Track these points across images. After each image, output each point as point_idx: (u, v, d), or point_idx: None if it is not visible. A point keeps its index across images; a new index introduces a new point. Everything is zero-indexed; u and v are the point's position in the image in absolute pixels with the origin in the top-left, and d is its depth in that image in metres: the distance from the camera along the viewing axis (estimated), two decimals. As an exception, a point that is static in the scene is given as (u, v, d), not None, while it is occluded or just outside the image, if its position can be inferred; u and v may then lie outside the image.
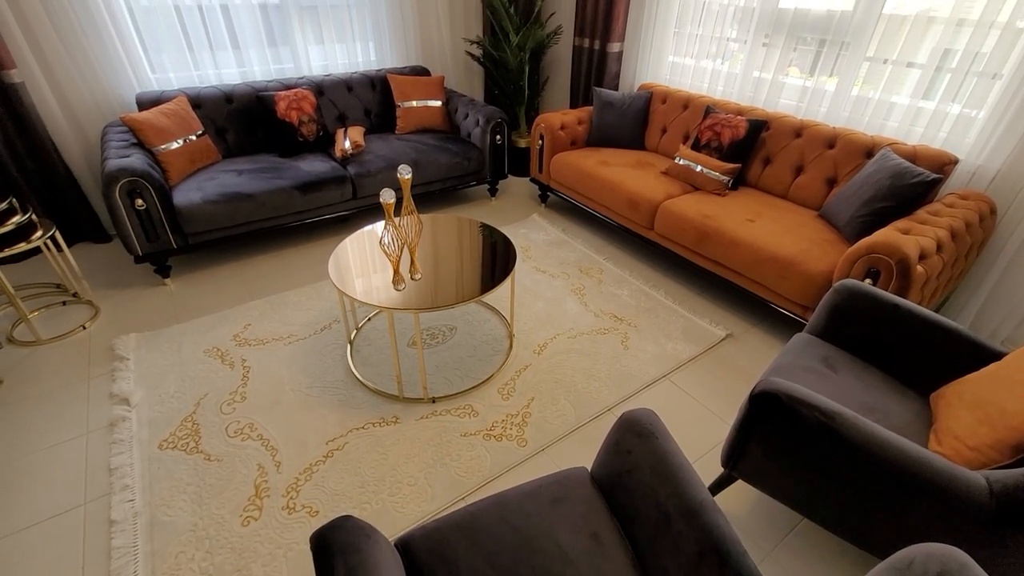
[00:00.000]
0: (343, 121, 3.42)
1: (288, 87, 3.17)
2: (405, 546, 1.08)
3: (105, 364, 2.18)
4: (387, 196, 1.90)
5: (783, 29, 2.81)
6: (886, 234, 1.89)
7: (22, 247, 2.20)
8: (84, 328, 2.39)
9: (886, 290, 1.84)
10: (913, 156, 2.28)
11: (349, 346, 2.28)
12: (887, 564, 0.71)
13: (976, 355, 1.47)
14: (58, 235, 2.36)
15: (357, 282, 1.93)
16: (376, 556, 0.90)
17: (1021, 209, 2.18)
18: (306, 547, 1.51)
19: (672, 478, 1.04)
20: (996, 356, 1.44)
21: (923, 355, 1.56)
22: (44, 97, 2.69)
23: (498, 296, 2.63)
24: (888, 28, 2.47)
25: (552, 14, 3.99)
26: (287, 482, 1.70)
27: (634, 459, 1.11)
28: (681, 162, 2.90)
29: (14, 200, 2.28)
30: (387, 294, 1.86)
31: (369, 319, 2.47)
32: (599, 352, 2.30)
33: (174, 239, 2.57)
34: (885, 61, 2.52)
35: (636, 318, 2.53)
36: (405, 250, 2.10)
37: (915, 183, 2.08)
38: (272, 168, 2.88)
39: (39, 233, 2.28)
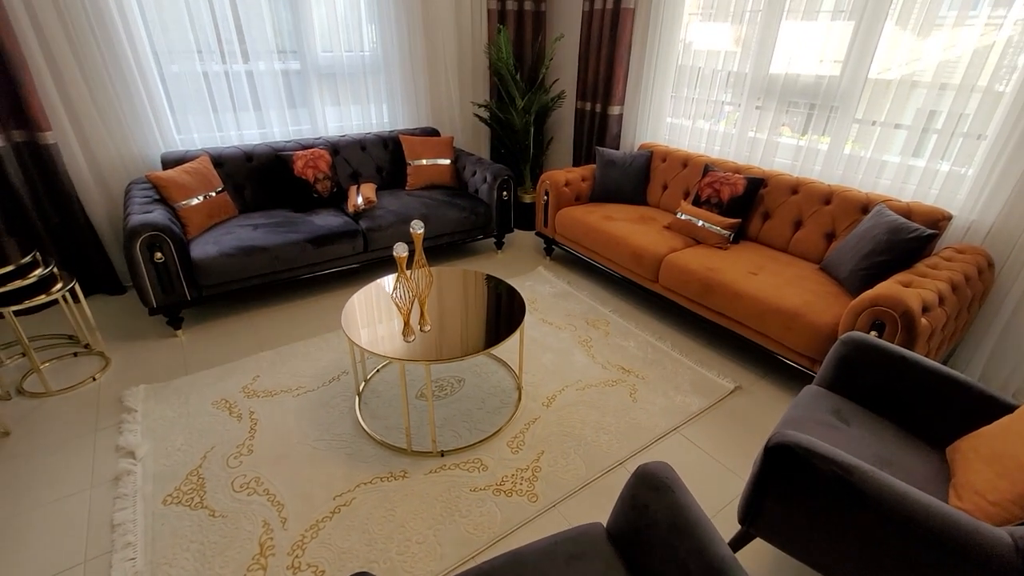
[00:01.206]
0: (356, 178, 3.56)
1: (305, 147, 3.33)
2: (419, 607, 1.05)
3: (113, 416, 2.18)
4: (400, 250, 1.96)
5: (775, 93, 2.98)
6: (889, 287, 1.93)
7: (42, 299, 2.25)
8: (94, 379, 2.40)
9: (892, 342, 1.85)
10: (908, 212, 2.36)
11: (358, 398, 2.28)
12: None
13: (989, 408, 1.47)
14: (77, 288, 2.41)
15: (368, 333, 1.95)
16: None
17: (1018, 262, 2.23)
18: (311, 610, 1.46)
19: (691, 534, 1.03)
20: (1009, 408, 1.44)
21: (935, 408, 1.56)
22: (74, 156, 2.83)
23: (506, 348, 2.65)
24: (874, 92, 2.62)
25: (556, 80, 4.23)
26: (292, 540, 1.65)
27: (651, 514, 1.10)
28: (683, 217, 3.00)
29: (38, 254, 2.36)
30: (398, 345, 1.89)
31: (378, 371, 2.47)
32: (608, 404, 2.29)
33: (189, 291, 2.63)
34: (874, 123, 2.65)
35: (644, 370, 2.53)
36: (415, 302, 2.14)
37: (912, 238, 2.15)
38: (287, 222, 2.98)
39: (59, 285, 2.33)
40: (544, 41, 4.24)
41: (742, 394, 2.39)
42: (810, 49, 2.83)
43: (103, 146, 2.91)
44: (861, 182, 2.71)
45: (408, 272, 2.06)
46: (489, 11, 3.93)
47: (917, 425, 1.58)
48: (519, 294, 2.27)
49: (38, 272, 2.28)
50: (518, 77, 3.89)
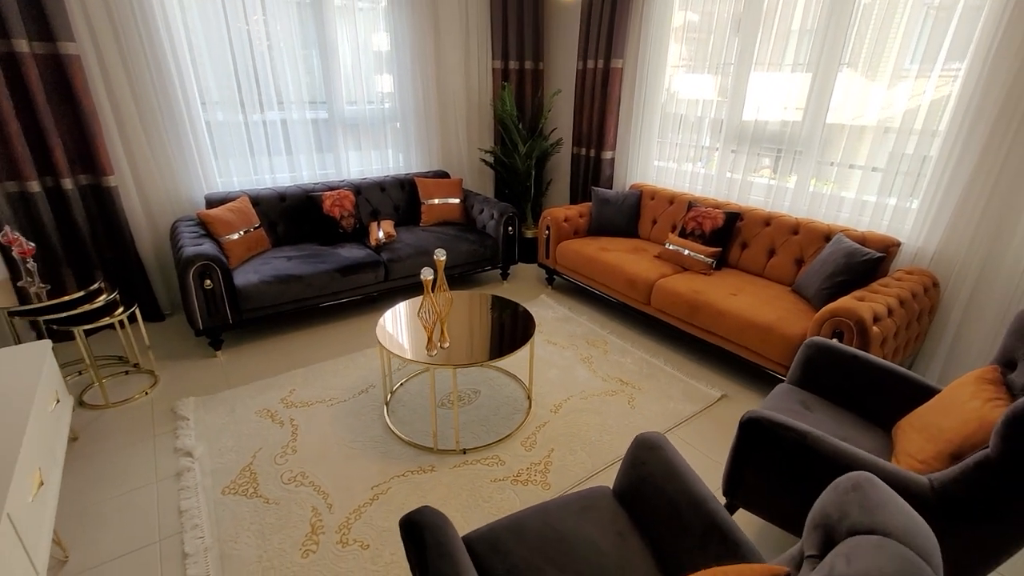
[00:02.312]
0: (376, 216, 3.93)
1: (331, 188, 3.71)
2: (463, 542, 1.32)
3: (167, 424, 2.43)
4: (427, 274, 2.29)
5: (747, 138, 3.41)
6: (845, 301, 2.27)
7: (105, 321, 2.55)
8: (146, 394, 2.66)
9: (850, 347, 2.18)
10: (863, 240, 2.73)
11: (385, 407, 2.55)
12: (827, 489, 0.95)
13: (923, 392, 1.77)
14: (137, 312, 2.71)
15: (399, 346, 2.26)
16: (451, 534, 1.16)
17: (959, 282, 2.58)
18: (361, 574, 1.69)
19: (680, 478, 1.31)
20: (937, 391, 1.75)
21: (882, 396, 1.86)
22: (130, 196, 3.19)
23: (516, 363, 2.94)
24: (831, 136, 3.04)
25: (554, 129, 4.70)
26: (339, 521, 1.90)
27: (648, 468, 1.39)
28: (671, 247, 3.36)
29: (103, 282, 2.67)
30: (426, 356, 2.19)
31: (402, 384, 2.75)
32: (609, 411, 2.57)
33: (231, 315, 2.92)
34: (832, 164, 3.07)
35: (640, 382, 2.82)
36: (438, 320, 2.45)
37: (865, 260, 2.51)
38: (316, 255, 3.31)
39: (120, 309, 2.63)
40: (543, 95, 4.74)
41: (727, 401, 2.68)
42: (776, 98, 3.27)
43: (155, 188, 3.28)
44: (824, 215, 3.10)
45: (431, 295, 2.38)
46: (494, 70, 4.43)
47: (869, 412, 1.89)
48: (528, 312, 2.59)
49: (103, 298, 2.58)
50: (520, 126, 4.34)
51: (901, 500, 0.81)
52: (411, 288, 3.64)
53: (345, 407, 2.56)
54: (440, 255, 2.39)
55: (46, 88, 2.80)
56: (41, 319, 2.41)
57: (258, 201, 3.46)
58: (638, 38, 3.86)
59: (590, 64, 4.14)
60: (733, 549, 1.14)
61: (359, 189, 3.86)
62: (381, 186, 3.98)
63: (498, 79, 4.45)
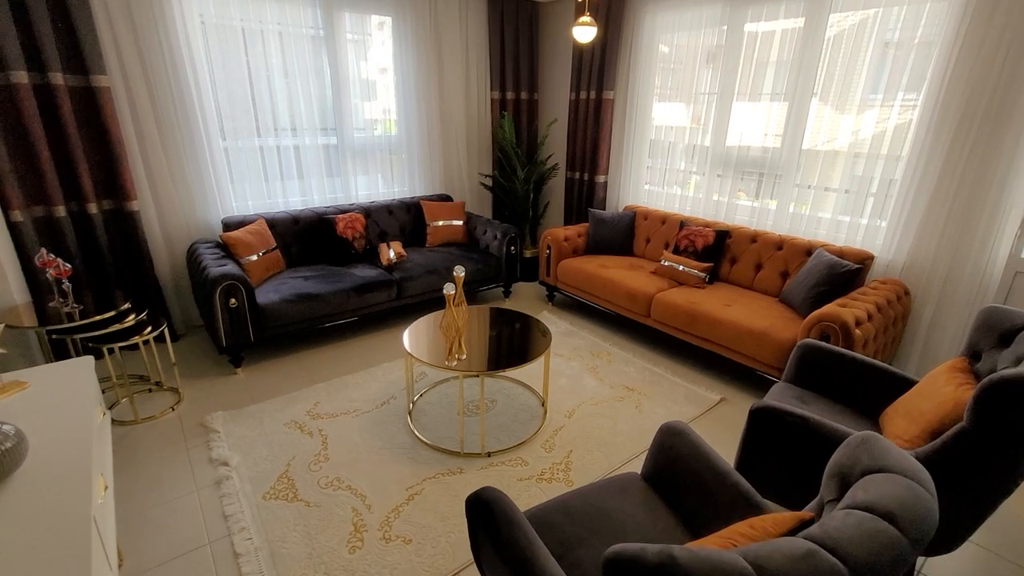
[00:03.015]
0: (384, 237, 4.10)
1: (343, 211, 3.88)
2: (518, 522, 1.47)
3: (198, 438, 2.52)
4: (449, 288, 2.48)
5: (731, 164, 3.72)
6: (830, 308, 2.53)
7: (136, 339, 2.64)
8: (172, 410, 2.74)
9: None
10: (841, 253, 3.02)
11: (409, 416, 2.69)
12: (839, 447, 1.14)
13: (903, 384, 2.01)
14: (165, 331, 2.80)
15: (427, 355, 2.41)
16: (516, 508, 1.32)
17: (928, 289, 2.88)
18: (407, 567, 1.82)
19: (704, 457, 1.50)
20: (916, 382, 1.99)
21: (868, 389, 2.09)
22: (151, 220, 3.30)
23: (527, 375, 3.11)
24: (807, 161, 3.36)
25: (550, 155, 4.98)
26: (380, 519, 2.02)
27: (676, 451, 1.57)
28: (666, 263, 3.61)
29: (130, 302, 2.77)
30: (453, 364, 2.35)
31: (421, 395, 2.89)
32: (619, 415, 2.76)
33: (253, 333, 3.03)
34: (809, 187, 3.38)
35: (645, 388, 3.02)
36: (457, 332, 2.62)
37: (844, 271, 2.79)
38: (331, 275, 3.46)
39: (148, 328, 2.73)
40: (538, 124, 5.03)
41: (726, 404, 2.89)
42: (756, 125, 3.59)
43: (173, 211, 3.40)
44: (804, 233, 3.39)
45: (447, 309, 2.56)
46: (492, 100, 4.70)
47: (857, 404, 2.11)
48: (543, 323, 2.78)
49: (132, 317, 2.68)
50: (520, 152, 4.60)
51: (900, 449, 1.01)
52: (422, 305, 3.79)
53: (370, 417, 2.69)
54: (459, 271, 2.57)
55: (77, 118, 2.93)
56: (77, 337, 2.49)
57: (274, 224, 3.60)
58: (628, 71, 4.19)
59: (583, 95, 4.45)
60: (757, 511, 1.33)
61: (368, 212, 4.04)
62: (389, 209, 4.17)
63: (496, 108, 4.72)
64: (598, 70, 4.27)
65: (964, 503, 1.48)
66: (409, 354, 2.43)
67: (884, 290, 2.78)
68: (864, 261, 2.94)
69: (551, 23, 4.76)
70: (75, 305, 2.61)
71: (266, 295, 3.10)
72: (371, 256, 3.85)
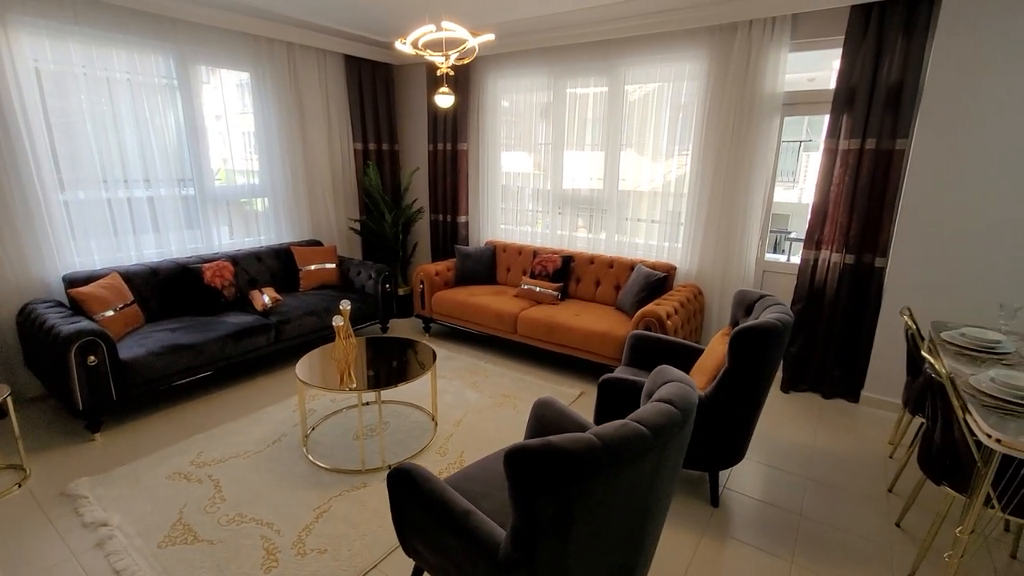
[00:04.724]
0: (255, 284, 4.07)
1: (207, 260, 3.80)
2: (431, 492, 1.77)
3: (60, 507, 2.31)
4: (338, 320, 2.71)
5: (568, 202, 4.51)
6: (649, 307, 3.28)
7: (-31, 411, 2.36)
8: (19, 486, 2.46)
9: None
10: (654, 266, 3.89)
11: (304, 448, 2.77)
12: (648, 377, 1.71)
13: (699, 352, 2.76)
14: (9, 400, 2.51)
15: (324, 383, 2.59)
16: (430, 472, 1.63)
17: (711, 288, 3.84)
18: (327, 572, 1.96)
19: (568, 418, 1.97)
20: (702, 350, 2.74)
21: (679, 361, 2.81)
22: (-30, 282, 2.93)
23: (414, 396, 3.37)
24: (624, 199, 4.26)
25: (415, 199, 5.39)
26: (291, 540, 2.12)
27: (547, 418, 2.02)
28: (525, 287, 4.20)
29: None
30: (351, 386, 2.56)
31: (315, 428, 2.98)
32: (500, 417, 3.17)
33: (116, 391, 2.85)
34: (627, 219, 4.28)
35: (519, 393, 3.49)
36: (348, 360, 2.83)
37: (656, 280, 3.62)
38: (201, 324, 3.38)
39: (-16, 397, 2.44)
40: (402, 172, 5.43)
41: (585, 396, 3.49)
42: (584, 171, 4.44)
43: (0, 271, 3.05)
44: (628, 253, 4.26)
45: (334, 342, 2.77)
46: (356, 150, 5.00)
47: (673, 373, 2.81)
48: (427, 345, 3.10)
49: (-38, 386, 2.39)
50: (386, 198, 4.94)
51: (676, 369, 1.58)
52: (302, 347, 3.81)
53: (263, 456, 2.71)
54: (345, 304, 2.81)
55: None
56: None
57: (129, 277, 3.41)
58: (478, 125, 4.84)
59: (440, 146, 4.99)
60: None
61: (236, 260, 4.00)
62: (257, 256, 4.16)
63: (360, 158, 5.03)
64: (452, 125, 4.86)
65: (735, 422, 2.16)
66: (305, 383, 2.57)
67: (685, 291, 3.66)
68: (669, 271, 3.83)
69: (406, 82, 5.28)
70: None
71: (130, 350, 2.95)
72: (242, 304, 3.81)
